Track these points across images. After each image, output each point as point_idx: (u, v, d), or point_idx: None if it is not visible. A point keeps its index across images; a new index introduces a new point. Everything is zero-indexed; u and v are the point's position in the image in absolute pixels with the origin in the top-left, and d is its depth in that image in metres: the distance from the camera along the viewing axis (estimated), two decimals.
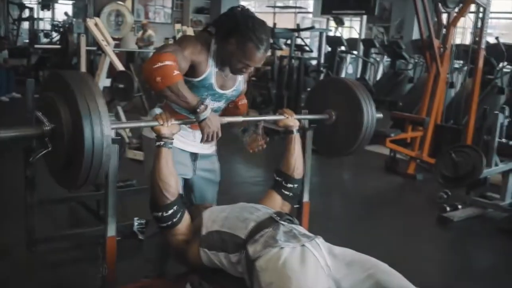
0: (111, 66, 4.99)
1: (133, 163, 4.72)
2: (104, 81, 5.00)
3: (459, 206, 4.18)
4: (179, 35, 5.48)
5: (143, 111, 4.91)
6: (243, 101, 2.47)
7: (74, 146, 1.58)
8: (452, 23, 5.37)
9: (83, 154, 1.55)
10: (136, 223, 3.21)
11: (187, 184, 2.36)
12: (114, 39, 9.40)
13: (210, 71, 2.09)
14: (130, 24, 9.91)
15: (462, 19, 5.41)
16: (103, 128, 1.57)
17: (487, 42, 6.26)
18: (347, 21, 12.47)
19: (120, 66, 4.79)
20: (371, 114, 2.41)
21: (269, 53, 11.18)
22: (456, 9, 5.42)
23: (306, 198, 2.53)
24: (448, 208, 4.14)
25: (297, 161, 2.28)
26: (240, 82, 2.28)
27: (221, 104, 2.28)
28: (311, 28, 8.63)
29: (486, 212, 4.26)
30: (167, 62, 1.82)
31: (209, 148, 2.39)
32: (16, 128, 1.60)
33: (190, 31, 5.51)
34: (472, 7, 5.44)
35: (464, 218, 4.12)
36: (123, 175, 3.35)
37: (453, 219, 4.06)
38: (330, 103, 2.50)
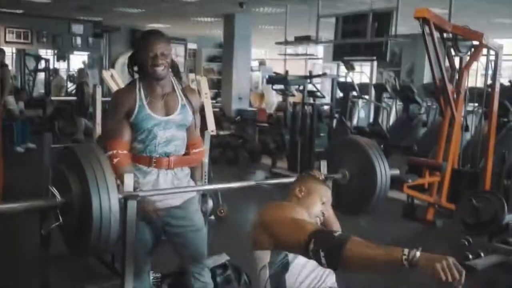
0: None
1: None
2: None
3: (482, 254, 4.06)
4: (192, 85, 5.53)
5: None
6: (197, 150, 2.51)
7: (83, 219, 1.62)
8: (465, 67, 5.38)
9: (91, 227, 1.60)
10: (151, 277, 3.14)
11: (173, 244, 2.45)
12: None
13: (140, 105, 2.27)
14: None
15: (474, 62, 5.42)
16: (111, 203, 1.62)
17: (501, 85, 6.26)
18: (357, 66, 12.59)
19: None
20: (384, 175, 2.41)
21: (281, 99, 11.28)
22: (468, 54, 5.46)
23: None
24: (470, 256, 4.02)
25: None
26: (184, 107, 2.37)
27: (175, 131, 2.35)
28: (323, 74, 8.71)
29: (510, 259, 4.13)
30: (114, 160, 2.11)
31: (179, 198, 2.40)
32: (30, 201, 1.68)
33: (204, 81, 5.56)
34: (484, 51, 5.46)
35: (487, 266, 3.99)
36: None
37: (476, 267, 3.94)
38: (345, 162, 2.50)
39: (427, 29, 4.97)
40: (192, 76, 5.76)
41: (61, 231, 1.74)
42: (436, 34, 5.10)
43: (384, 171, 2.39)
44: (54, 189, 1.64)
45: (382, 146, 7.25)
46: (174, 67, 2.49)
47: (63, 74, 13.08)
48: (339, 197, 2.49)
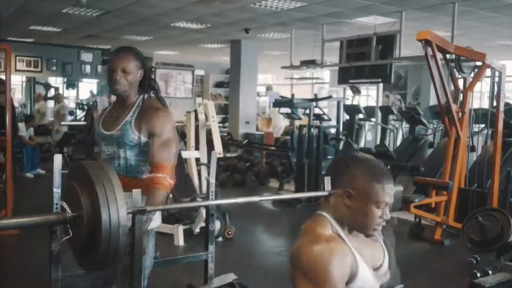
0: None
1: (157, 236, 4.72)
2: None
3: (490, 272, 4.04)
4: (200, 108, 5.63)
5: None
6: (152, 174, 2.24)
7: (93, 233, 1.66)
8: (469, 88, 5.43)
9: (100, 241, 1.63)
10: None
11: None
12: None
13: (100, 118, 2.37)
14: None
15: (478, 83, 5.47)
16: (120, 217, 1.64)
17: (508, 105, 6.30)
18: (363, 89, 12.69)
19: None
20: None
21: (288, 123, 11.35)
22: (472, 74, 5.52)
23: None
24: (478, 274, 4.00)
25: None
26: (127, 124, 2.29)
27: (115, 148, 2.29)
28: (329, 97, 8.79)
29: None
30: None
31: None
32: (41, 215, 1.71)
33: (211, 104, 5.66)
34: (488, 72, 5.51)
35: (495, 284, 3.97)
36: None
37: (485, 285, 3.91)
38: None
39: (430, 51, 5.04)
40: (199, 100, 5.85)
41: (71, 245, 1.78)
42: (439, 56, 5.18)
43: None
44: (65, 203, 1.69)
45: (389, 167, 7.27)
46: (151, 86, 2.43)
47: (72, 102, 13.26)
48: None
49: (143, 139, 2.29)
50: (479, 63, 5.39)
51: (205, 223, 3.30)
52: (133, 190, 1.86)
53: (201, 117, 5.62)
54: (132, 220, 1.76)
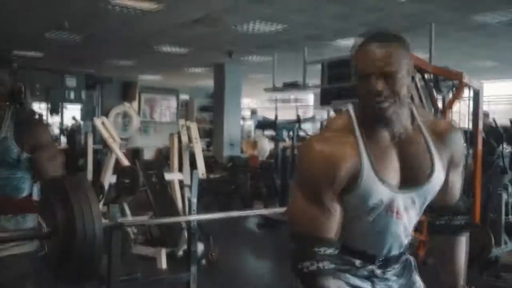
0: (117, 163, 5.10)
1: (139, 259, 4.68)
2: (110, 178, 5.08)
3: None
4: (183, 130, 5.64)
5: (148, 206, 4.94)
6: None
7: (68, 247, 1.65)
8: (448, 107, 5.52)
9: (76, 255, 1.64)
10: None
11: None
12: (122, 139, 9.60)
13: None
14: (136, 124, 10.22)
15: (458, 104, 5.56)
16: (96, 231, 1.65)
17: (486, 125, 6.39)
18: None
19: (125, 161, 4.90)
20: None
21: (272, 146, 11.38)
22: (450, 94, 5.61)
23: None
24: None
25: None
26: (4, 139, 2.09)
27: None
28: (311, 118, 8.87)
29: None
30: None
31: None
32: (19, 231, 1.81)
33: (194, 126, 5.68)
34: (467, 92, 5.61)
35: None
36: (128, 270, 3.31)
37: None
38: None
39: None
40: (182, 122, 5.88)
41: (47, 258, 1.77)
42: (418, 76, 5.27)
43: None
44: (41, 218, 1.69)
45: None
46: (14, 93, 2.24)
47: (55, 128, 13.18)
48: None
49: (25, 154, 2.09)
50: (457, 83, 5.49)
51: (187, 244, 3.29)
52: (110, 205, 1.86)
53: (184, 139, 5.62)
54: (108, 235, 1.76)
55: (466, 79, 5.39)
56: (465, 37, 7.38)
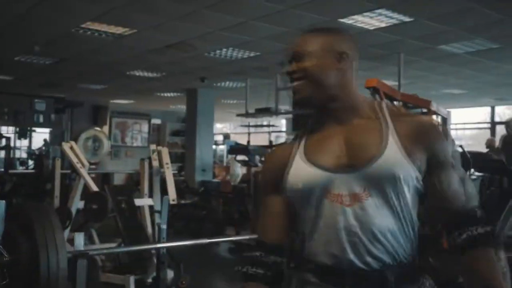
0: (86, 188, 5.00)
1: (107, 287, 4.56)
2: (78, 203, 4.97)
3: None
4: (154, 155, 5.58)
5: (117, 232, 4.84)
6: None
7: (31, 277, 1.60)
8: None
9: (39, 285, 1.57)
10: None
11: None
12: (91, 163, 9.42)
13: None
14: (107, 148, 10.09)
15: None
16: (60, 261, 1.61)
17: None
18: None
19: (94, 187, 4.80)
20: None
21: (244, 171, 11.36)
22: None
23: None
24: None
25: None
26: None
27: None
28: (283, 143, 8.88)
29: None
30: None
31: None
32: None
33: (165, 151, 5.62)
34: (435, 119, 5.74)
35: None
36: None
37: None
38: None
39: (378, 98, 5.23)
40: (153, 146, 5.82)
41: None
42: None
43: None
44: (1, 247, 1.63)
45: None
46: None
47: (23, 152, 12.92)
48: None
49: None
50: (425, 110, 5.61)
51: (156, 271, 3.23)
52: (76, 233, 1.82)
53: (155, 163, 5.56)
54: (73, 264, 1.71)
55: (434, 107, 5.52)
56: (433, 66, 7.58)
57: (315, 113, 1.41)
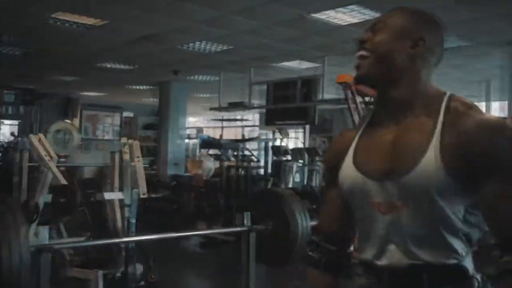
0: (54, 181, 4.91)
1: (75, 282, 4.49)
2: (45, 197, 4.88)
3: None
4: (125, 148, 5.51)
5: (86, 226, 4.78)
6: None
7: None
8: None
9: (1, 278, 1.54)
10: None
11: None
12: (61, 156, 9.24)
13: None
14: (77, 141, 9.93)
15: None
16: (22, 254, 1.57)
17: None
18: (291, 132, 13.00)
19: (62, 180, 4.72)
20: (305, 223, 2.47)
21: (217, 165, 11.36)
22: None
23: None
24: None
25: None
26: None
27: None
28: (256, 138, 8.93)
29: None
30: None
31: None
32: None
33: (136, 144, 5.56)
34: None
35: None
36: None
37: None
38: (268, 213, 2.56)
39: (349, 94, 5.26)
40: (124, 139, 5.74)
41: None
42: (359, 99, 5.41)
43: (305, 221, 2.45)
44: None
45: (314, 206, 7.39)
46: None
47: None
48: (263, 248, 2.52)
49: None
50: None
51: (124, 266, 3.20)
52: (40, 227, 1.78)
53: (126, 157, 5.49)
54: (37, 258, 1.67)
55: None
56: None
57: (377, 101, 1.33)
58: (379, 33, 1.27)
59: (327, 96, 7.37)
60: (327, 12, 5.36)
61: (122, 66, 8.84)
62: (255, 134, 15.80)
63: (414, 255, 1.20)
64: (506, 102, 6.77)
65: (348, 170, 1.30)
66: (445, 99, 1.25)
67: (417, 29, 1.26)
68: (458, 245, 1.19)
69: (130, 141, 5.68)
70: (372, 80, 1.28)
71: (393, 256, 1.23)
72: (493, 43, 6.23)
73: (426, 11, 1.32)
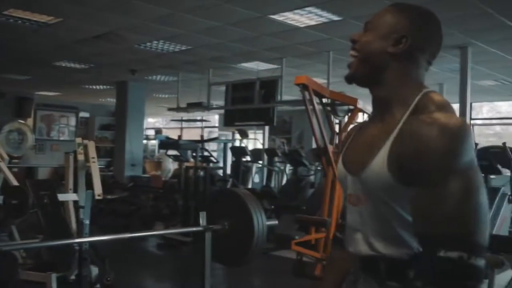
0: (6, 183, 4.77)
1: (28, 285, 4.37)
2: None
3: None
4: (79, 149, 5.41)
5: (39, 228, 4.65)
6: None
7: None
8: (343, 130, 5.79)
9: None
10: None
11: None
12: (14, 157, 8.96)
13: None
14: (31, 142, 9.67)
15: (351, 125, 5.85)
16: None
17: None
18: (251, 133, 13.04)
19: (14, 181, 4.60)
20: (261, 223, 2.48)
21: (176, 166, 11.27)
22: (346, 118, 5.91)
23: None
24: None
25: None
26: None
27: None
28: (215, 139, 8.92)
29: None
30: None
31: None
32: None
33: (91, 145, 5.47)
34: (360, 116, 5.93)
35: None
36: None
37: None
38: (225, 213, 2.56)
39: (307, 95, 5.32)
40: (78, 140, 5.64)
41: None
42: (316, 100, 5.48)
43: (261, 220, 2.46)
44: None
45: (273, 206, 7.45)
46: None
47: None
48: (219, 248, 2.52)
49: None
50: (352, 107, 5.79)
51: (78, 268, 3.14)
52: (12, 225, 1.73)
53: (81, 157, 5.39)
54: None
55: (360, 105, 5.70)
56: None
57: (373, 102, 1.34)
58: (367, 33, 1.28)
59: (286, 97, 7.43)
60: (285, 13, 5.41)
61: (77, 65, 8.66)
62: (215, 135, 15.77)
63: (373, 246, 1.26)
64: (458, 105, 6.98)
65: (339, 163, 1.39)
66: (418, 97, 1.23)
67: (403, 27, 1.24)
68: (412, 240, 1.21)
69: (85, 141, 5.58)
70: (357, 80, 1.30)
71: (358, 244, 1.30)
72: (445, 47, 6.41)
73: (421, 7, 1.29)
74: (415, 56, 1.26)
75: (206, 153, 8.50)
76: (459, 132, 1.11)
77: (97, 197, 4.75)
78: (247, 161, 9.93)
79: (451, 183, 1.09)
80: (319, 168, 8.63)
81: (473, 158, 1.14)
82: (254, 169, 10.56)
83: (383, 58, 1.25)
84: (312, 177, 8.59)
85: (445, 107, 1.20)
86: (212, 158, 8.46)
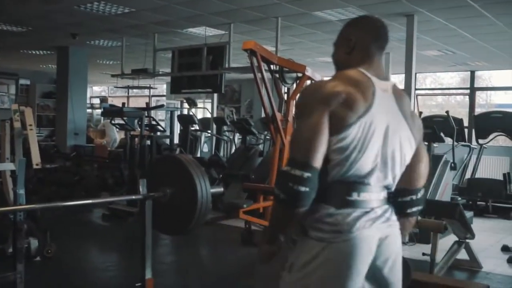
0: None
1: None
2: None
3: None
4: (16, 116, 5.11)
5: None
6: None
7: None
8: (291, 97, 5.75)
9: None
10: None
11: None
12: None
13: None
14: None
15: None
16: None
17: None
18: (200, 102, 12.85)
19: None
20: (205, 190, 2.38)
21: (122, 135, 10.99)
22: (294, 85, 5.86)
23: (148, 274, 2.37)
24: None
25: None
26: None
27: None
28: (161, 106, 8.70)
29: None
30: None
31: None
32: None
33: (28, 112, 5.17)
34: (308, 83, 5.89)
35: None
36: None
37: None
38: (166, 180, 2.44)
39: (255, 61, 5.22)
40: (15, 106, 5.33)
41: None
42: (264, 67, 5.39)
43: (205, 187, 2.37)
44: None
45: (221, 175, 7.38)
46: None
47: None
48: (160, 217, 2.42)
49: None
50: (300, 74, 5.74)
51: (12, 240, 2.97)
52: None
53: (17, 125, 5.09)
54: None
55: (309, 72, 5.65)
56: (308, 33, 7.75)
57: None
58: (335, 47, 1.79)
59: (234, 65, 7.30)
60: None
61: (14, 28, 8.16)
62: (162, 103, 15.44)
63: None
64: (404, 75, 7.06)
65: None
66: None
67: (347, 32, 1.73)
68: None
69: (21, 108, 5.28)
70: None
71: None
72: (390, 15, 6.42)
73: (365, 15, 1.87)
74: (364, 47, 1.71)
75: (153, 122, 8.29)
76: (305, 88, 1.78)
77: (35, 166, 4.52)
78: (195, 130, 9.78)
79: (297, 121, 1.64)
80: (268, 137, 8.60)
81: (309, 104, 1.55)
82: (203, 138, 10.43)
83: (342, 56, 1.79)
84: (261, 146, 8.55)
85: (327, 80, 1.65)
86: (159, 127, 8.26)
